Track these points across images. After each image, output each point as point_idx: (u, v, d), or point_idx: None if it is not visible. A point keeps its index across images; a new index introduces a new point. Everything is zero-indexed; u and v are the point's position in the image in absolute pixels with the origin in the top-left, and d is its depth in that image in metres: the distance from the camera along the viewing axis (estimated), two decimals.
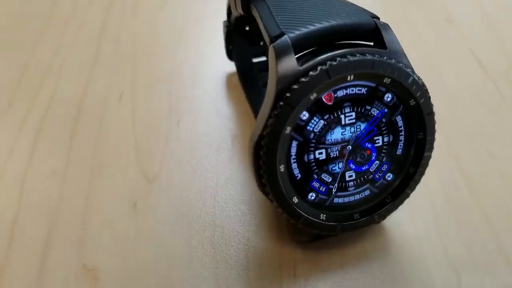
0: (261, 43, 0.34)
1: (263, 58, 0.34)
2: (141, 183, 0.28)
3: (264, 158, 0.21)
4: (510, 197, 0.27)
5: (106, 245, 0.26)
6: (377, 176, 0.24)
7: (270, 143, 0.21)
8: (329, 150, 0.22)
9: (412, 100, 0.22)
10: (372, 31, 0.22)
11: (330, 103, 0.21)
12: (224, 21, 0.33)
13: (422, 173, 0.24)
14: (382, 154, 0.23)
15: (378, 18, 0.23)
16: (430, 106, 0.22)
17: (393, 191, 0.24)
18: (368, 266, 0.24)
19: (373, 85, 0.22)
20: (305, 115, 0.21)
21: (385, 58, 0.21)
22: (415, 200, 0.26)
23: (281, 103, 0.20)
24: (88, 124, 0.32)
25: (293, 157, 0.22)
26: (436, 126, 0.23)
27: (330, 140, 0.22)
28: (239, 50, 0.34)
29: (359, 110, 0.22)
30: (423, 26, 0.39)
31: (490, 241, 0.25)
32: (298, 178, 0.22)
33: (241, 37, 0.33)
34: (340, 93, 0.21)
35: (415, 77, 0.21)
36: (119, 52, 0.37)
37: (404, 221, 0.26)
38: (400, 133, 0.23)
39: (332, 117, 0.22)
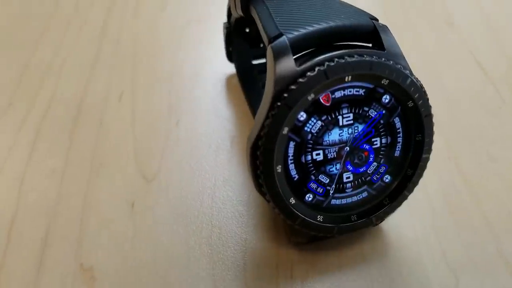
0: (261, 45, 0.34)
1: (263, 60, 0.34)
2: (139, 183, 0.28)
3: (261, 158, 0.21)
4: (510, 200, 0.27)
5: (104, 245, 0.26)
6: (375, 178, 0.23)
7: (268, 144, 0.21)
8: (326, 151, 0.22)
9: (410, 101, 0.22)
10: (371, 33, 0.22)
11: (327, 104, 0.21)
12: (224, 23, 0.33)
13: (420, 175, 0.23)
14: (380, 156, 0.23)
15: (377, 20, 0.22)
16: (428, 107, 0.22)
17: (391, 193, 0.24)
18: (366, 268, 0.24)
19: (371, 86, 0.22)
20: (302, 116, 0.21)
21: (383, 59, 0.21)
22: (413, 202, 0.26)
23: (279, 104, 0.20)
24: (88, 124, 0.32)
25: (291, 157, 0.22)
26: (436, 129, 0.23)
27: (327, 141, 0.22)
28: (239, 51, 0.34)
29: (357, 111, 0.22)
30: (423, 28, 0.39)
31: (490, 244, 0.25)
32: (295, 179, 0.22)
33: (241, 39, 0.33)
34: (338, 94, 0.21)
35: (413, 79, 0.21)
36: (119, 52, 0.38)
37: (403, 223, 0.26)
38: (398, 135, 0.23)
39: (329, 118, 0.22)
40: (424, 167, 0.23)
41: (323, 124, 0.22)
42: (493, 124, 0.31)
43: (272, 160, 0.21)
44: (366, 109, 0.22)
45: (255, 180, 0.22)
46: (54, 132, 0.32)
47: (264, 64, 0.34)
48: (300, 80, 0.20)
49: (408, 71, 0.21)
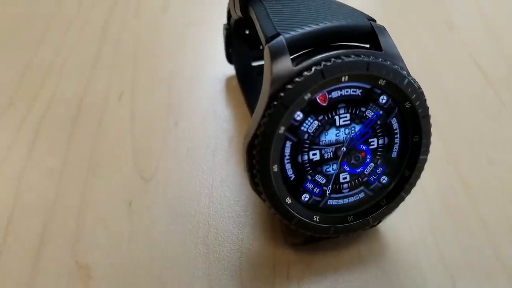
0: (261, 47, 0.34)
1: (262, 62, 0.34)
2: (137, 182, 0.28)
3: (257, 157, 0.21)
4: (509, 203, 0.27)
5: (101, 244, 0.26)
6: (371, 179, 0.23)
7: (264, 143, 0.21)
8: (323, 151, 0.22)
9: (408, 102, 0.22)
10: (368, 33, 0.22)
11: (324, 104, 0.21)
12: (224, 24, 0.34)
13: (418, 177, 0.23)
14: (377, 157, 0.23)
15: (375, 21, 0.23)
16: (426, 108, 0.22)
17: (388, 194, 0.24)
18: (362, 270, 0.24)
19: (368, 86, 0.22)
20: (299, 115, 0.21)
21: (380, 59, 0.21)
22: (411, 204, 0.26)
23: (275, 103, 0.20)
24: (87, 123, 0.32)
25: (287, 157, 0.22)
26: (435, 131, 0.23)
27: (324, 141, 0.22)
28: (239, 53, 0.34)
29: (353, 111, 0.22)
30: (423, 31, 0.39)
31: (487, 247, 0.25)
32: (291, 178, 0.22)
33: (241, 41, 0.33)
34: (335, 94, 0.21)
35: (410, 79, 0.21)
36: (120, 53, 0.38)
37: (400, 225, 0.26)
38: (396, 136, 0.23)
39: (326, 118, 0.22)
40: (421, 169, 0.23)
41: (319, 124, 0.22)
42: (492, 127, 0.31)
43: (269, 159, 0.21)
44: (363, 109, 0.22)
45: (251, 179, 0.22)
46: (54, 132, 0.32)
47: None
48: (297, 79, 0.20)
49: (405, 72, 0.21)
